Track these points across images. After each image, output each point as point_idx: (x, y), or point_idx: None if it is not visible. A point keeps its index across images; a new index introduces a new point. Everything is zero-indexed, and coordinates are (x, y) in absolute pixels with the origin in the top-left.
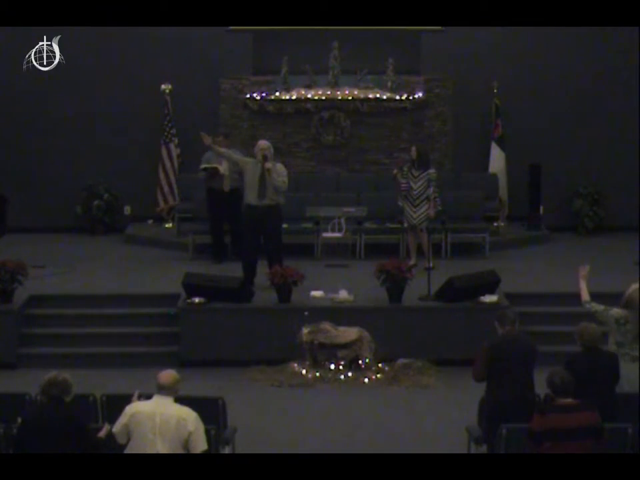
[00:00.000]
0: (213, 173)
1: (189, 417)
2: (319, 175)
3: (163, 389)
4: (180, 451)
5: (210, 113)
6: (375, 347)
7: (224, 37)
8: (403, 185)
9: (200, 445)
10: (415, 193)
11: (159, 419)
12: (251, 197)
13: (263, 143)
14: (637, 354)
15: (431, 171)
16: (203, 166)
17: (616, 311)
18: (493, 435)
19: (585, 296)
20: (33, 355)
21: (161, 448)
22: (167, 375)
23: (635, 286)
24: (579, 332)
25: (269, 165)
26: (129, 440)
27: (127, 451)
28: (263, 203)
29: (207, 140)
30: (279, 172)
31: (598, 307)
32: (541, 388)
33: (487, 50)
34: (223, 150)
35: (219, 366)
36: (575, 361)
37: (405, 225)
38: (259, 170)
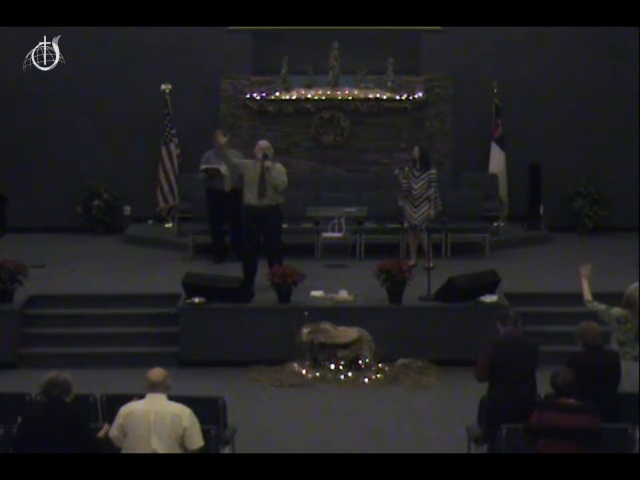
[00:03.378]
0: (214, 173)
1: (183, 413)
2: (319, 175)
3: (155, 386)
4: (176, 448)
5: (210, 113)
6: (374, 347)
7: (224, 36)
8: (404, 185)
9: (196, 441)
10: (416, 193)
11: (154, 417)
12: (250, 196)
13: (262, 143)
14: (638, 353)
15: (432, 171)
16: (203, 167)
17: (617, 310)
18: (493, 434)
19: (587, 295)
20: (33, 355)
21: (157, 445)
22: (156, 372)
23: (635, 285)
24: (579, 331)
25: (268, 163)
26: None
27: (124, 450)
28: (263, 202)
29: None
30: (279, 171)
31: (600, 307)
32: (542, 388)
33: (487, 50)
34: (227, 153)
35: (219, 366)
36: (577, 360)
37: (405, 225)
38: (258, 169)
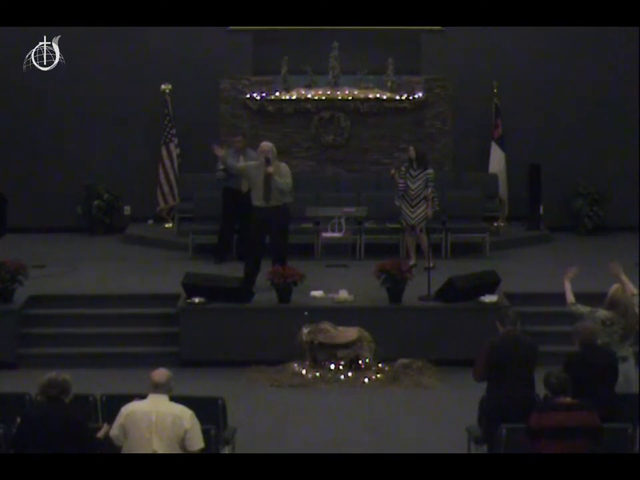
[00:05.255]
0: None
1: (184, 414)
2: (319, 175)
3: (158, 387)
4: (176, 449)
5: (210, 113)
6: (374, 346)
7: (224, 36)
8: (401, 185)
9: (196, 443)
10: (413, 193)
11: (155, 417)
12: (257, 198)
13: (264, 145)
14: (624, 354)
15: (429, 171)
16: (222, 166)
17: (603, 313)
18: (493, 435)
19: (570, 297)
20: (33, 355)
21: (158, 446)
22: (160, 373)
23: (616, 286)
24: (576, 331)
25: (270, 169)
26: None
27: (124, 450)
28: (270, 204)
29: (220, 152)
30: (282, 173)
31: (584, 309)
32: (541, 388)
33: (487, 50)
34: (230, 163)
35: (219, 366)
36: (574, 360)
37: (403, 224)
38: (262, 173)
